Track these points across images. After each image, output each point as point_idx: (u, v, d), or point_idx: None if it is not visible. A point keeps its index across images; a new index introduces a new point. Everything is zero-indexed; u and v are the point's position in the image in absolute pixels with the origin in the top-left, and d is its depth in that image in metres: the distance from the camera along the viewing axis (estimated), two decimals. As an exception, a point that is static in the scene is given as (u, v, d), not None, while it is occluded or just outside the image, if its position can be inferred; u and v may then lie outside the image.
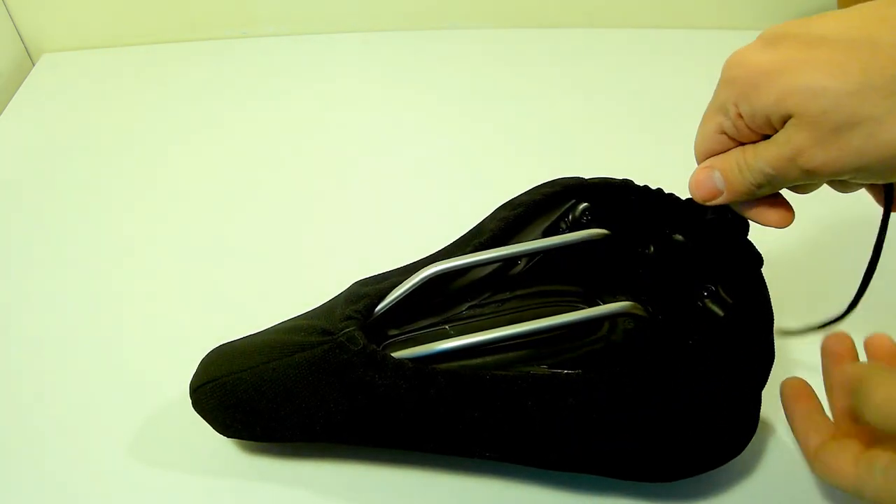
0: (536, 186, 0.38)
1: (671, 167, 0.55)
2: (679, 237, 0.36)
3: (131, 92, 0.64)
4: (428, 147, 0.57)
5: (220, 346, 0.37)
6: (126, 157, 0.56)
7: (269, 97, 0.63)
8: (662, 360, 0.31)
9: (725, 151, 0.30)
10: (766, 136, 0.28)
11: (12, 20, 0.68)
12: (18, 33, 0.69)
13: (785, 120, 0.26)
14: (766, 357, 0.32)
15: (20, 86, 0.65)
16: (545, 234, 0.37)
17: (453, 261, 0.35)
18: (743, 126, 0.28)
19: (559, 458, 0.33)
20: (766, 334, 0.32)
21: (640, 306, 0.35)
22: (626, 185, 0.36)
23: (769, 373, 0.32)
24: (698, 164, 0.31)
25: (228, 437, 0.36)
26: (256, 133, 0.58)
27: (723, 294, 0.34)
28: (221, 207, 0.51)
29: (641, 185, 0.36)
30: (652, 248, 0.37)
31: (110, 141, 0.58)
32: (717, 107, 0.29)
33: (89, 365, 0.41)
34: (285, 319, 0.37)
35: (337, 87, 0.64)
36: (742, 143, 0.29)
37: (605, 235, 0.36)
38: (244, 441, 0.37)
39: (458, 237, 0.38)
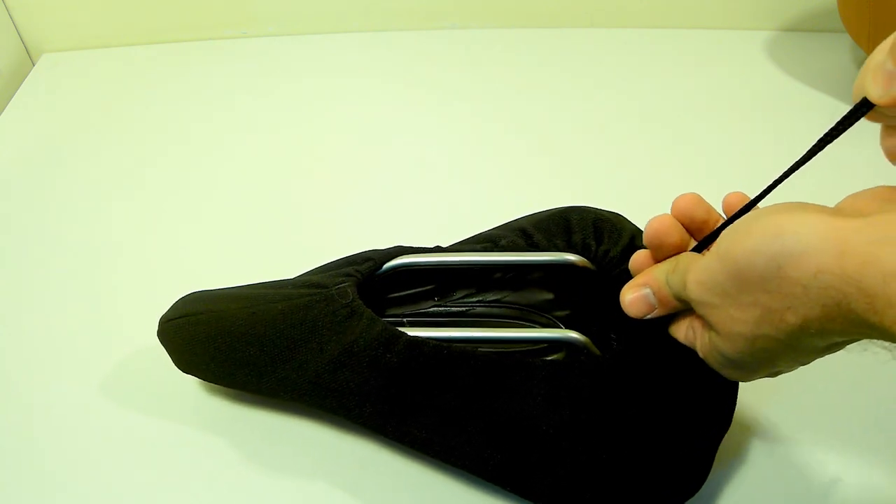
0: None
1: (672, 166, 0.56)
2: None
3: (131, 92, 0.64)
4: (428, 147, 0.57)
5: (201, 290, 0.37)
6: (126, 156, 0.56)
7: (269, 97, 0.62)
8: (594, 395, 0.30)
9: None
10: None
11: (12, 20, 0.68)
12: (18, 33, 0.69)
13: None
14: (724, 411, 0.31)
15: (20, 86, 0.65)
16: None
17: (420, 256, 0.35)
18: None
19: (463, 440, 0.31)
20: (727, 391, 0.31)
21: (588, 340, 0.33)
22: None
23: (727, 426, 0.31)
24: None
25: (184, 371, 0.37)
26: (256, 133, 0.58)
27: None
28: (220, 207, 0.51)
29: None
30: None
31: (110, 141, 0.58)
32: None
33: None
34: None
35: (337, 87, 0.64)
36: None
37: (583, 264, 0.34)
38: (218, 387, 0.38)
39: (461, 235, 0.38)
